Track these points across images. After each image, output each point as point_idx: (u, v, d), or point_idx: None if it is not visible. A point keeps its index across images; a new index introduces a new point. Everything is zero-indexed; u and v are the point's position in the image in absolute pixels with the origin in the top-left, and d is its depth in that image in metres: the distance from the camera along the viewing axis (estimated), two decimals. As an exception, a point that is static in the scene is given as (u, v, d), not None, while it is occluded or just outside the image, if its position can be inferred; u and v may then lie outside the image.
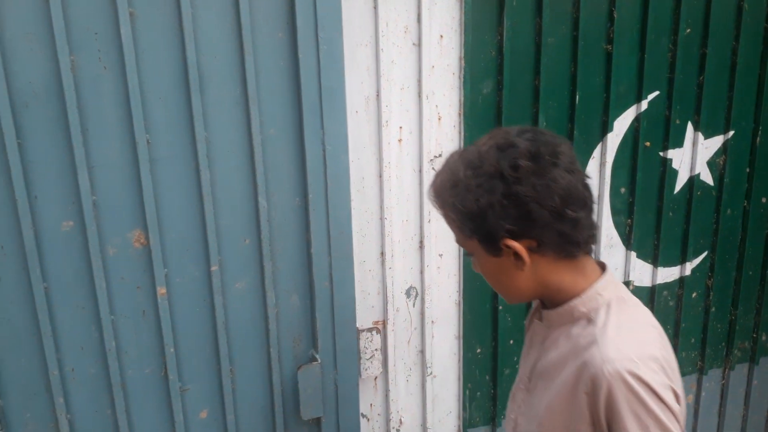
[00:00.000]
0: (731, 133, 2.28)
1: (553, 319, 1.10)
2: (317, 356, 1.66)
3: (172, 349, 1.53)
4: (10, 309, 1.40)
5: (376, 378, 1.91)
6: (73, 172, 1.38)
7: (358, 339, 1.77)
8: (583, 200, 1.00)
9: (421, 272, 1.88)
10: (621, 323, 1.01)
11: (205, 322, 1.56)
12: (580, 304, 1.05)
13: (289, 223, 1.58)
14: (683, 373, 2.48)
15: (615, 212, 2.15)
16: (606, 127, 2.05)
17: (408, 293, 1.89)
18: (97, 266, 1.43)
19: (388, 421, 1.96)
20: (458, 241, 1.11)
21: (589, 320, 1.04)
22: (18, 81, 1.31)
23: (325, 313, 1.64)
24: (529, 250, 1.01)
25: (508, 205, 0.97)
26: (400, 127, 1.75)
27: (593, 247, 1.09)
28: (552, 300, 1.09)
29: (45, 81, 1.33)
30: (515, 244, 1.00)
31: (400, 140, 1.76)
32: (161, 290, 1.49)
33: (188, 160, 1.46)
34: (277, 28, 1.46)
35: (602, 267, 1.12)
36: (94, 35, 1.34)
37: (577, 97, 1.97)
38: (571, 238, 1.00)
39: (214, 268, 1.52)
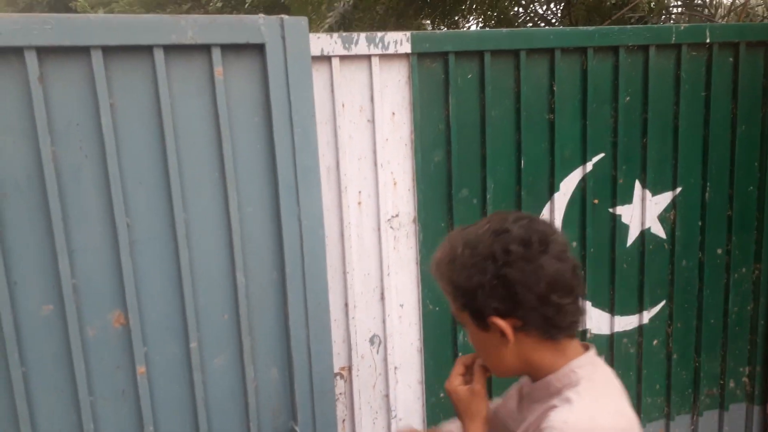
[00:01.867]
0: (679, 189, 2.43)
1: (533, 395, 1.15)
2: (296, 428, 1.68)
3: (151, 428, 1.54)
4: (-13, 395, 1.40)
5: (343, 420, 2.01)
6: (53, 256, 1.41)
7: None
8: (570, 288, 1.05)
9: (383, 321, 2.02)
10: (584, 400, 1.05)
11: (184, 399, 1.57)
12: (554, 380, 1.10)
13: (267, 297, 1.62)
14: (650, 419, 2.55)
15: (568, 264, 2.28)
16: (553, 188, 2.21)
17: (372, 341, 2.01)
18: (77, 348, 1.44)
19: None
20: (453, 311, 1.16)
21: (560, 395, 1.09)
22: (0, 172, 1.35)
23: (304, 384, 1.67)
24: (514, 328, 1.06)
25: (497, 286, 1.03)
26: (359, 192, 1.94)
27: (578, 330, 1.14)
28: (534, 376, 1.15)
29: (26, 171, 1.37)
30: (501, 323, 1.05)
31: (359, 203, 1.95)
32: (141, 369, 1.51)
33: (168, 241, 1.50)
34: (252, 112, 1.54)
35: (586, 348, 1.16)
36: (76, 125, 1.40)
37: (523, 162, 2.14)
38: (555, 322, 1.06)
39: (193, 344, 1.55)
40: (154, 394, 1.54)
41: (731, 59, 2.38)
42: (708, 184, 2.45)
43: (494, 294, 1.04)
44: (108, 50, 1.39)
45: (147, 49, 1.42)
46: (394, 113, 1.97)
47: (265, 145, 1.56)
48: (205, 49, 1.47)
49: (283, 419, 1.69)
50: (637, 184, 2.35)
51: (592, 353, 1.14)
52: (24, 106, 1.36)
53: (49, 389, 1.45)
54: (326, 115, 1.86)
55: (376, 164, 1.95)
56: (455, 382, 1.23)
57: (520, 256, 1.02)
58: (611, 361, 2.43)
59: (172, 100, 1.45)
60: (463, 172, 2.07)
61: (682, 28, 2.30)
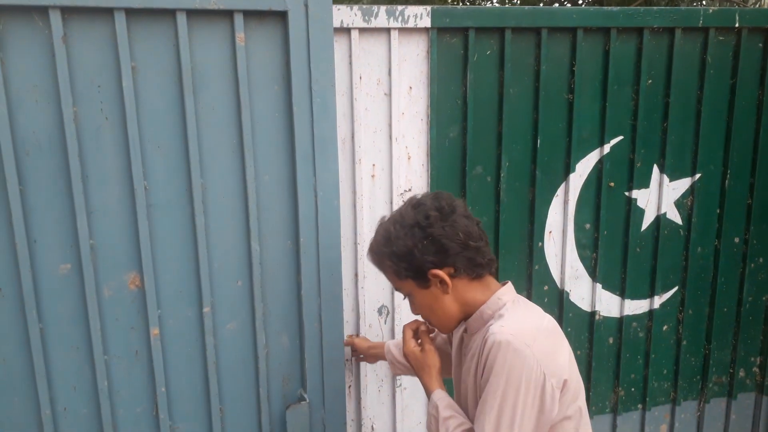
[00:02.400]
0: (698, 175, 2.41)
1: (472, 327, 1.40)
2: (305, 396, 1.70)
3: (163, 389, 1.57)
4: (5, 349, 1.43)
5: (349, 386, 2.06)
6: (72, 217, 1.43)
7: None
8: (479, 235, 1.36)
9: (392, 292, 2.05)
10: (513, 313, 1.33)
11: (196, 362, 1.60)
12: (486, 308, 1.37)
13: (281, 266, 1.64)
14: (656, 402, 2.56)
15: (580, 246, 2.28)
16: (569, 169, 2.20)
17: (380, 311, 2.06)
18: (93, 308, 1.47)
19: (360, 426, 2.08)
20: (396, 286, 1.42)
21: (493, 317, 1.35)
22: (22, 130, 1.37)
23: (315, 353, 1.69)
24: (449, 276, 1.34)
25: (428, 244, 1.32)
26: (373, 165, 1.96)
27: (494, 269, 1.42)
28: (470, 315, 1.39)
29: (48, 131, 1.38)
30: (438, 272, 1.33)
31: (373, 176, 1.98)
32: (154, 331, 1.53)
33: (184, 206, 1.52)
34: (272, 81, 1.53)
35: (505, 284, 1.43)
36: (98, 87, 1.41)
37: (539, 141, 2.13)
38: (477, 261, 1.34)
39: (206, 309, 1.57)
40: (167, 356, 1.57)
41: (761, 45, 2.34)
42: (729, 171, 2.42)
43: (427, 250, 1.32)
44: (131, 12, 1.39)
45: (170, 13, 1.42)
46: (411, 87, 1.96)
47: (284, 114, 1.56)
48: (228, 14, 1.46)
49: (293, 386, 1.72)
50: (655, 169, 2.33)
51: (509, 285, 1.41)
52: (47, 65, 1.36)
53: (65, 346, 1.48)
54: (343, 86, 1.87)
55: (391, 138, 1.96)
56: (411, 345, 1.51)
57: (437, 218, 1.32)
58: (619, 344, 2.43)
59: (193, 65, 1.46)
60: (477, 148, 2.06)
61: (711, 11, 2.25)
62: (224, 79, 1.49)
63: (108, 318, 1.50)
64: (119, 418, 1.56)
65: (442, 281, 1.34)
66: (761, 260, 2.57)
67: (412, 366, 1.51)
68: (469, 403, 1.40)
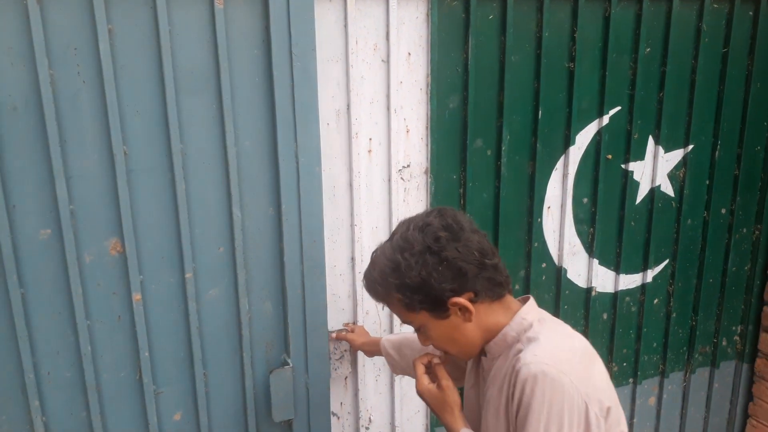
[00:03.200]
0: (691, 147, 2.39)
1: (493, 351, 1.27)
2: (289, 361, 1.71)
3: (146, 353, 1.58)
4: (-13, 314, 1.44)
5: (346, 378, 1.98)
6: (51, 182, 1.42)
7: (329, 341, 1.83)
8: (492, 250, 1.22)
9: None
10: (542, 336, 1.20)
11: (179, 327, 1.61)
12: (510, 330, 1.23)
13: (263, 233, 1.63)
14: (646, 376, 2.58)
15: (578, 221, 2.24)
16: (568, 141, 2.14)
17: None
18: (74, 273, 1.47)
19: (357, 419, 2.03)
20: (405, 320, 1.28)
21: (519, 341, 1.22)
22: (-2, 93, 1.35)
23: (298, 319, 1.69)
24: (471, 301, 1.20)
25: (443, 270, 1.17)
26: (370, 139, 1.83)
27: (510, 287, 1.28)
28: (491, 339, 1.26)
29: (24, 94, 1.37)
30: (459, 300, 1.18)
31: (369, 151, 1.84)
32: (136, 296, 1.54)
33: (164, 171, 1.51)
34: (252, 44, 1.51)
35: (524, 300, 1.30)
36: (74, 50, 1.39)
37: (540, 112, 2.06)
38: (496, 280, 1.22)
39: (188, 275, 1.57)
40: (150, 321, 1.57)
41: (751, 13, 2.30)
42: (719, 142, 2.40)
43: (444, 277, 1.17)
44: (107, -27, 1.37)
45: (146, -26, 1.40)
46: (410, 54, 1.84)
47: (264, 79, 1.54)
48: (206, -24, 1.44)
49: (276, 352, 1.73)
50: (650, 140, 2.30)
51: (532, 302, 1.28)
52: (22, 28, 1.34)
53: (47, 312, 1.48)
54: (338, 52, 1.73)
55: (389, 109, 1.83)
56: (425, 382, 1.34)
57: (449, 239, 1.17)
58: (613, 320, 2.43)
59: (170, 27, 1.43)
60: (478, 120, 1.97)
61: (708, -24, 2.21)
62: (203, 43, 1.47)
63: (90, 283, 1.51)
64: (103, 382, 1.57)
65: (463, 309, 1.20)
66: (744, 230, 2.58)
67: (430, 405, 1.35)
68: (489, 425, 1.28)
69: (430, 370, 1.36)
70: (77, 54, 1.39)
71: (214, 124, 1.52)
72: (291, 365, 1.71)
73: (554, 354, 1.15)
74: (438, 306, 1.20)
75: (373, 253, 1.27)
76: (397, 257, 1.19)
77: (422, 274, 1.17)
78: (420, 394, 1.35)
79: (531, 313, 1.25)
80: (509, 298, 1.28)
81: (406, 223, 1.24)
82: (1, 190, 1.38)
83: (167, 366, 1.62)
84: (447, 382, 1.31)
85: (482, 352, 1.31)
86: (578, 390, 1.11)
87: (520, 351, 1.18)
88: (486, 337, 1.26)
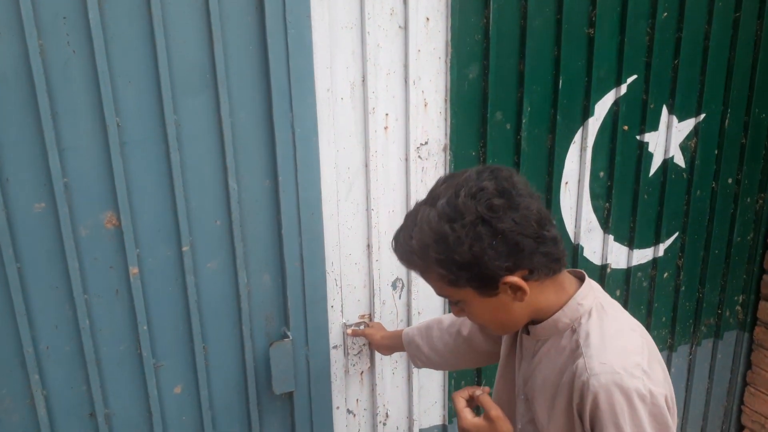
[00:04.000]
0: (702, 115, 2.32)
1: (540, 334, 1.16)
2: (289, 333, 1.71)
3: (145, 327, 1.57)
4: (-16, 288, 1.43)
5: (362, 373, 1.92)
6: (43, 154, 1.39)
7: (346, 337, 1.81)
8: (550, 218, 1.07)
9: None
10: (603, 331, 1.08)
11: (177, 301, 1.60)
12: (563, 316, 1.12)
13: (260, 205, 1.61)
14: (655, 351, 2.55)
15: (594, 196, 2.18)
16: (587, 112, 2.06)
17: (394, 285, 1.87)
18: (70, 247, 1.46)
19: (374, 415, 1.97)
20: (442, 294, 1.14)
21: (573, 330, 1.11)
22: (-14, 65, 1.32)
23: (296, 291, 1.68)
24: (524, 279, 1.05)
25: (498, 244, 1.01)
26: (386, 114, 1.71)
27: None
28: (539, 318, 1.15)
29: (14, 65, 1.34)
30: (514, 279, 1.04)
31: (386, 128, 1.72)
32: (133, 270, 1.53)
33: (158, 143, 1.48)
34: (245, 12, 1.47)
35: (581, 277, 1.17)
36: (63, 19, 1.35)
37: (561, 81, 1.96)
38: (554, 255, 1.07)
39: (185, 248, 1.56)
40: (148, 295, 1.56)
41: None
42: (728, 110, 2.33)
43: (498, 254, 1.01)
44: (93, -62, 1.33)
45: (134, -62, 1.35)
46: (428, 19, 1.70)
47: (258, 47, 1.49)
48: (196, -60, 1.39)
49: (276, 324, 1.72)
50: (665, 110, 2.23)
51: (588, 283, 1.14)
52: (8, -5, 1.31)
53: (44, 286, 1.47)
54: (353, 17, 1.60)
55: (406, 81, 1.69)
56: (469, 417, 1.19)
57: (505, 207, 1.01)
58: (626, 297, 2.39)
59: (161, -6, 1.39)
60: (498, 91, 1.86)
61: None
62: (195, 10, 1.43)
63: (86, 257, 1.49)
64: (103, 356, 1.57)
65: (515, 287, 1.05)
66: (749, 200, 2.53)
67: None
68: (539, 419, 1.19)
69: (471, 402, 1.22)
70: (66, 23, 1.36)
71: (208, 94, 1.48)
72: (291, 338, 1.70)
73: (623, 356, 1.04)
74: (487, 284, 1.06)
75: (409, 215, 1.11)
76: (444, 228, 1.02)
77: (474, 249, 1.01)
78: (465, 430, 1.19)
79: (588, 297, 1.12)
80: (564, 275, 1.14)
81: (453, 185, 1.04)
82: (-6, 163, 1.37)
83: (166, 339, 1.62)
84: (496, 412, 1.16)
85: (524, 329, 1.21)
86: (651, 391, 1.02)
87: (579, 354, 1.07)
88: (533, 317, 1.14)
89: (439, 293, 1.15)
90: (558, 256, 1.07)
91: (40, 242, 1.45)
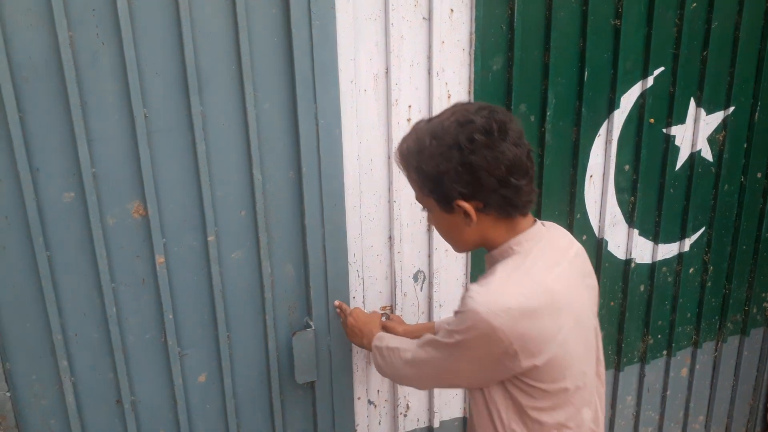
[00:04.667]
0: (731, 108, 2.28)
1: (487, 260, 1.30)
2: (311, 323, 1.72)
3: (170, 316, 1.59)
4: (16, 276, 1.46)
5: None
6: (73, 144, 1.42)
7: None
8: (526, 170, 1.17)
9: (429, 256, 1.86)
10: (506, 273, 1.19)
11: (202, 290, 1.62)
12: (497, 254, 1.25)
13: (284, 196, 1.62)
14: (680, 347, 2.52)
15: (619, 190, 2.16)
16: (613, 104, 2.03)
17: (416, 277, 1.88)
18: (98, 236, 1.48)
19: (395, 406, 1.98)
20: (417, 198, 1.29)
21: (499, 262, 1.23)
22: (18, 56, 1.34)
23: (319, 282, 1.69)
24: (476, 210, 1.19)
25: (462, 172, 1.14)
26: (410, 106, 1.72)
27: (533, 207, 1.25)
28: (488, 249, 1.29)
29: (44, 56, 1.36)
30: (465, 205, 1.17)
31: (409, 119, 1.72)
32: (160, 259, 1.55)
33: (185, 134, 1.50)
34: (270, 3, 1.47)
35: (533, 224, 1.27)
36: (92, 11, 1.37)
37: (586, 73, 1.94)
38: (513, 202, 1.18)
39: (210, 238, 1.57)
40: (173, 284, 1.58)
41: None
42: (759, 103, 2.28)
43: (459, 179, 1.14)
44: (123, -70, 1.34)
45: (163, -70, 1.36)
46: (452, 10, 1.69)
47: (283, 39, 1.50)
48: (223, -68, 1.40)
49: (299, 314, 1.73)
50: (692, 102, 2.19)
51: (536, 229, 1.24)
52: (40, -13, 1.33)
53: (73, 274, 1.50)
54: (376, 8, 1.60)
55: (430, 72, 1.70)
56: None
57: (482, 144, 1.12)
58: (650, 292, 2.34)
59: (188, -14, 1.41)
60: (523, 83, 1.85)
61: None
62: (221, 2, 1.44)
63: (113, 246, 1.52)
64: (129, 344, 1.59)
65: (466, 213, 1.19)
66: (779, 194, 2.47)
67: (356, 327, 1.58)
68: None
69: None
70: (96, 15, 1.38)
71: (233, 85, 1.50)
72: (313, 327, 1.71)
73: (499, 297, 1.13)
74: (445, 201, 1.20)
75: (417, 123, 1.24)
76: (425, 141, 1.17)
77: (440, 167, 1.15)
78: (349, 321, 1.60)
79: (522, 244, 1.22)
80: (521, 220, 1.24)
81: (455, 110, 1.18)
82: (25, 153, 1.39)
83: (191, 328, 1.64)
84: (350, 319, 1.60)
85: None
86: (507, 335, 1.11)
87: (480, 281, 1.20)
88: (480, 243, 1.27)
89: (416, 197, 1.29)
90: (516, 203, 1.18)
91: (69, 231, 1.47)
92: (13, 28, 1.33)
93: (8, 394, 1.50)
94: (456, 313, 1.20)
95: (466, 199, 1.17)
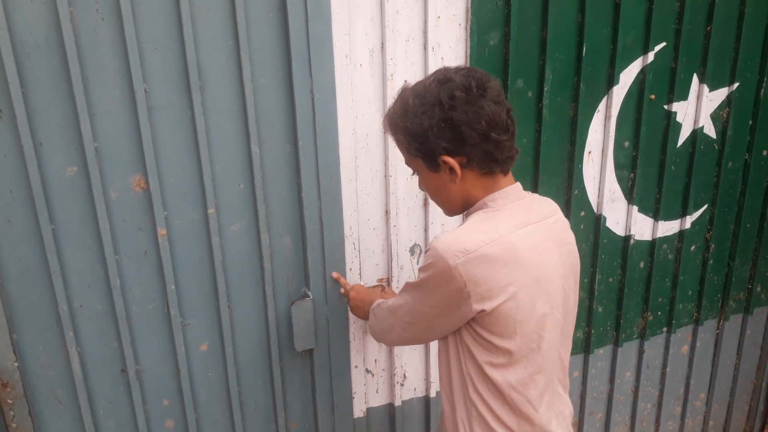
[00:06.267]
0: (736, 85, 2.26)
1: (462, 219, 1.36)
2: (309, 293, 1.75)
3: (173, 287, 1.63)
4: (21, 249, 1.50)
5: None
6: (75, 119, 1.45)
7: None
8: (506, 126, 1.22)
9: (425, 230, 1.89)
10: (473, 223, 1.26)
11: (203, 261, 1.66)
12: (472, 209, 1.31)
13: (281, 169, 1.65)
14: (680, 324, 2.53)
15: (618, 166, 2.16)
16: (612, 80, 2.03)
17: (412, 251, 1.91)
18: (101, 209, 1.52)
19: (392, 375, 2.01)
20: (406, 162, 1.35)
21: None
22: (20, 32, 1.38)
23: (316, 253, 1.72)
24: (461, 165, 1.25)
25: (445, 128, 1.20)
26: (405, 81, 1.71)
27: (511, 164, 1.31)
28: (468, 207, 1.34)
29: (46, 32, 1.39)
30: (450, 160, 1.24)
31: None
32: (161, 232, 1.59)
33: (184, 108, 1.53)
34: (266, -22, 1.50)
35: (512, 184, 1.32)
36: (91, -13, 1.40)
37: (584, 48, 1.93)
38: (494, 156, 1.24)
39: (210, 211, 1.61)
40: (175, 256, 1.62)
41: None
42: (765, 79, 2.25)
43: (443, 135, 1.21)
44: None
45: None
46: None
47: (278, 13, 1.52)
48: None
49: (297, 285, 1.77)
50: (695, 79, 2.18)
51: (513, 189, 1.30)
52: (40, -36, 1.36)
53: (77, 246, 1.54)
54: None
55: (425, 47, 1.70)
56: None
57: (462, 101, 1.18)
58: (650, 269, 2.35)
59: (184, -39, 1.43)
60: (520, 58, 1.85)
61: None
62: (217, -23, 1.47)
63: (116, 219, 1.56)
64: (133, 315, 1.64)
65: (451, 169, 1.25)
66: (784, 172, 2.45)
67: (360, 299, 1.67)
68: None
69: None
70: (94, -9, 1.41)
71: (230, 60, 1.52)
72: (311, 297, 1.75)
73: (460, 240, 1.20)
74: (430, 158, 1.26)
75: (402, 89, 1.31)
76: (409, 101, 1.24)
77: (424, 124, 1.21)
78: (352, 295, 1.68)
79: (497, 200, 1.28)
80: (501, 178, 1.30)
81: (437, 73, 1.25)
82: (28, 128, 1.42)
83: (193, 299, 1.68)
84: (353, 293, 1.68)
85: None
86: (461, 275, 1.18)
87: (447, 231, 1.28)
88: (465, 204, 1.33)
89: (405, 162, 1.35)
90: (497, 158, 1.24)
91: (73, 205, 1.51)
92: (14, 5, 1.36)
93: (16, 364, 1.55)
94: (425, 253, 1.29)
95: (450, 155, 1.23)
